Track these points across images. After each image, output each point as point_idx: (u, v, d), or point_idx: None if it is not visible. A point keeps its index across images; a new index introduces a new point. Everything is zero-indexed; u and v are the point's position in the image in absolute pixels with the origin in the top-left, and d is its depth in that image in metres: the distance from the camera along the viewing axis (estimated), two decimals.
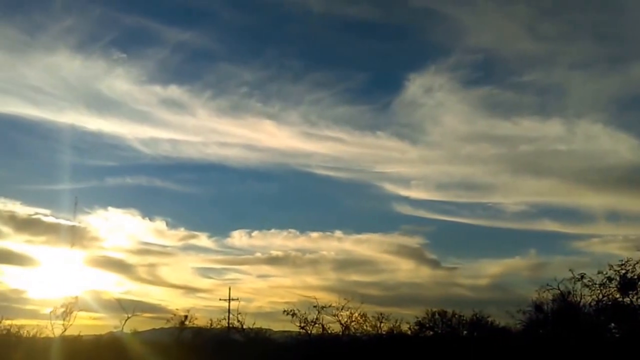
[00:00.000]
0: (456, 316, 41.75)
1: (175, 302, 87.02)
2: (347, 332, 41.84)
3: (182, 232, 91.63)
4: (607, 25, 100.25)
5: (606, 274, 35.05)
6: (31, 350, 42.82)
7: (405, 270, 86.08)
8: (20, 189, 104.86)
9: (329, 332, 42.20)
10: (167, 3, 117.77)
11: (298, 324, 41.60)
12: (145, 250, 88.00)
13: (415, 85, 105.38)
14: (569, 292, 37.49)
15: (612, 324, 37.04)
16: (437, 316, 41.92)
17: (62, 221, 67.34)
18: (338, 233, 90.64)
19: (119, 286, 71.62)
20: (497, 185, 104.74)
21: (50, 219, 74.51)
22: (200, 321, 44.97)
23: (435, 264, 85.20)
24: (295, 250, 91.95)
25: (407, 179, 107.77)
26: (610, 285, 35.32)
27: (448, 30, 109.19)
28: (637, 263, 34.11)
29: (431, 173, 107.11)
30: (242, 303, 45.43)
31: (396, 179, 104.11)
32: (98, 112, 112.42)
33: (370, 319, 42.32)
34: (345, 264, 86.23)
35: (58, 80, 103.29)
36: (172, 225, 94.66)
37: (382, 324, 42.49)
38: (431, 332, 42.33)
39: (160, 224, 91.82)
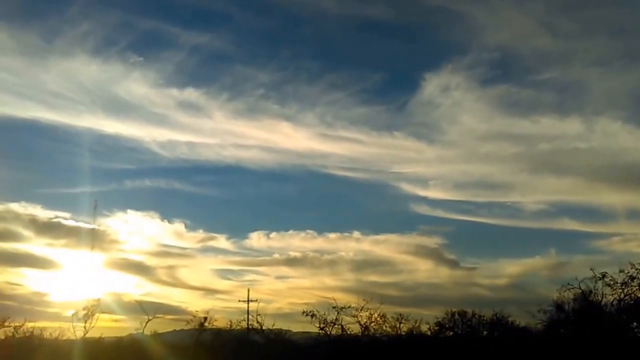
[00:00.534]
0: (476, 316, 41.73)
1: (195, 304, 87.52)
2: (366, 333, 41.88)
3: (200, 234, 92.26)
4: (626, 21, 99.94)
5: (628, 272, 34.95)
6: (53, 353, 43.39)
7: (424, 270, 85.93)
8: (40, 193, 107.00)
9: (349, 332, 42.35)
10: (183, 7, 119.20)
11: (317, 325, 41.76)
12: (164, 252, 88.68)
13: (432, 85, 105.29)
14: (590, 292, 37.35)
15: (635, 323, 36.85)
16: (456, 316, 41.90)
17: (82, 224, 68.21)
18: (356, 234, 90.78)
19: (138, 288, 72.21)
20: (515, 184, 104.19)
21: (70, 222, 75.42)
22: (220, 322, 45.26)
23: (454, 264, 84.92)
24: (314, 251, 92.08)
25: (424, 179, 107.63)
26: (632, 284, 35.20)
27: (464, 29, 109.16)
28: None
29: (449, 173, 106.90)
30: (261, 304, 45.49)
31: (414, 179, 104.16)
32: (116, 116, 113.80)
33: (390, 319, 42.36)
34: (364, 264, 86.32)
35: (76, 84, 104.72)
36: (190, 227, 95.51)
37: (401, 325, 42.51)
38: (451, 333, 42.25)
39: (179, 226, 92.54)
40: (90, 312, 43.28)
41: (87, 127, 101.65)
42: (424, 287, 76.44)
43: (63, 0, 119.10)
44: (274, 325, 43.79)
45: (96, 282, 53.87)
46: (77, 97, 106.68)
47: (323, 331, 41.89)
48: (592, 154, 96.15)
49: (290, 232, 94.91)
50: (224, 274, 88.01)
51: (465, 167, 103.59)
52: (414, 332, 42.50)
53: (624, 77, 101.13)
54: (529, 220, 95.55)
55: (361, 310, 41.33)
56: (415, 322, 42.71)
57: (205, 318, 44.49)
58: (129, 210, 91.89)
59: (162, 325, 46.08)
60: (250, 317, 44.40)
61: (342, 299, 45.20)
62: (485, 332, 42.10)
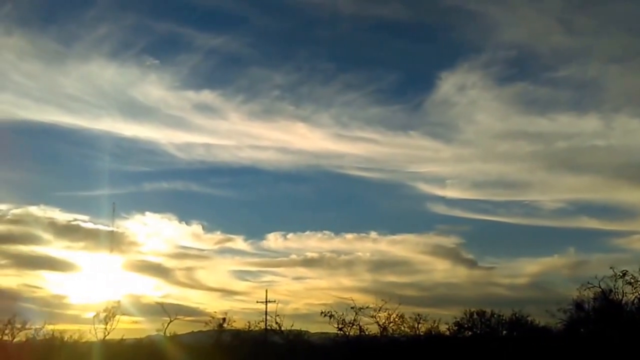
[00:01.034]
0: (495, 316, 41.57)
1: (213, 305, 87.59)
2: (385, 334, 41.77)
3: (218, 235, 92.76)
4: None
5: None
6: (74, 355, 43.89)
7: (442, 270, 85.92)
8: (59, 196, 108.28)
9: (367, 333, 42.22)
10: (198, 9, 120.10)
11: (336, 326, 41.73)
12: (182, 254, 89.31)
13: (448, 84, 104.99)
14: (611, 290, 37.31)
15: None
16: (475, 316, 41.76)
17: (100, 227, 68.90)
18: (373, 234, 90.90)
19: (157, 290, 72.87)
20: (533, 182, 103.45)
21: (89, 225, 76.27)
22: (238, 324, 45.37)
23: (472, 264, 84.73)
24: (330, 252, 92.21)
25: (441, 178, 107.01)
26: None
27: (479, 28, 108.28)
28: None
29: (466, 172, 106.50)
30: (278, 305, 45.48)
31: (430, 178, 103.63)
32: (133, 119, 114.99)
33: (408, 320, 42.04)
34: (381, 264, 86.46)
35: (93, 88, 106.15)
36: (208, 229, 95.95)
37: (420, 325, 42.17)
38: (470, 333, 42.16)
39: (196, 227, 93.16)
40: (110, 314, 43.77)
41: (105, 131, 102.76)
42: (442, 287, 76.45)
43: (80, 5, 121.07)
44: (292, 326, 43.91)
45: (115, 284, 54.40)
46: (95, 100, 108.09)
47: (341, 332, 41.87)
48: (610, 151, 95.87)
49: (307, 232, 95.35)
50: (241, 275, 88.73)
51: (483, 166, 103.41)
52: (433, 333, 42.36)
53: None
54: (548, 218, 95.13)
55: (379, 310, 41.20)
56: (434, 322, 42.58)
57: (224, 319, 44.74)
58: (147, 213, 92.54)
59: (181, 326, 46.33)
60: (268, 318, 44.54)
61: (360, 299, 45.07)
62: (504, 332, 41.98)
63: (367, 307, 41.32)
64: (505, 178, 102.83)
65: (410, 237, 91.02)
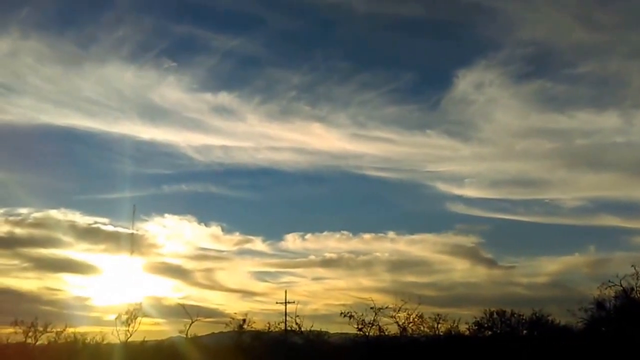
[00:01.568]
0: (515, 315, 41.61)
1: (233, 306, 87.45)
2: (404, 334, 41.97)
3: (237, 236, 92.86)
4: None
5: None
6: (96, 357, 44.36)
7: (461, 270, 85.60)
8: (79, 199, 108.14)
9: (386, 333, 42.43)
10: (215, 11, 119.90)
11: (355, 326, 41.98)
12: (202, 255, 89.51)
13: (465, 82, 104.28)
14: (632, 289, 37.33)
15: None
16: (495, 316, 41.85)
17: (120, 229, 69.48)
18: (391, 234, 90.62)
19: (177, 292, 73.14)
20: (553, 180, 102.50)
21: (109, 228, 76.75)
22: (258, 324, 45.64)
23: (491, 263, 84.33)
24: (349, 252, 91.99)
25: (459, 177, 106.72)
26: None
27: (497, 25, 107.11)
28: None
29: (485, 170, 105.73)
30: (298, 306, 45.66)
31: (448, 177, 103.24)
32: (151, 121, 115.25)
33: (428, 320, 42.33)
34: (400, 265, 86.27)
35: (111, 91, 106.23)
36: (227, 230, 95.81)
37: (439, 325, 42.51)
38: (490, 332, 42.26)
39: (215, 229, 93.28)
40: (132, 316, 44.15)
41: (124, 134, 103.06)
42: (462, 287, 76.10)
43: (98, 8, 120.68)
44: (312, 326, 44.14)
45: (136, 286, 54.84)
46: (113, 103, 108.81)
47: (361, 332, 42.12)
48: (631, 148, 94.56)
49: (325, 233, 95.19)
50: (260, 276, 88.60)
51: (501, 164, 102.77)
52: (453, 332, 42.57)
53: None
54: (568, 217, 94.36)
55: (399, 310, 41.49)
56: (454, 322, 42.86)
57: (244, 320, 44.93)
58: (166, 215, 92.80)
59: (201, 328, 46.59)
60: (288, 318, 44.80)
61: (379, 299, 45.31)
62: (524, 332, 42.00)
63: (386, 308, 41.75)
64: (524, 176, 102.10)
65: (429, 237, 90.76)
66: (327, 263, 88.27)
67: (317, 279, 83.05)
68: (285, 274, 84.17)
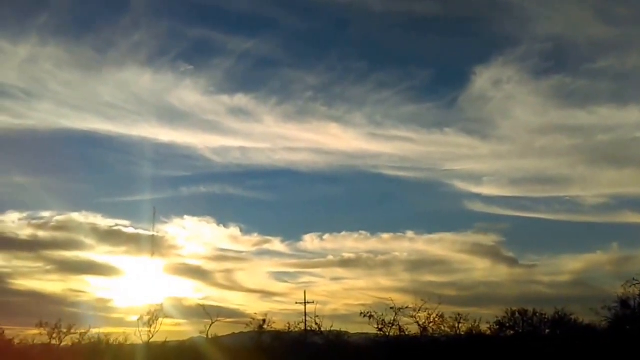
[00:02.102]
0: (537, 314, 41.18)
1: (253, 307, 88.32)
2: (425, 334, 41.79)
3: (255, 237, 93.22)
4: None
5: None
6: (120, 357, 44.89)
7: (482, 269, 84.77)
8: (100, 202, 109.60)
9: (407, 333, 42.33)
10: (230, 13, 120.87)
11: (375, 326, 41.96)
12: (221, 256, 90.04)
13: (483, 79, 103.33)
14: None
15: None
16: (517, 315, 41.44)
17: (141, 231, 70.18)
18: (410, 233, 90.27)
19: (197, 292, 73.71)
20: (574, 177, 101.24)
21: (130, 230, 77.57)
22: (278, 325, 45.91)
23: (512, 262, 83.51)
24: (367, 252, 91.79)
25: (478, 175, 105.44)
26: None
27: (514, 20, 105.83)
28: None
29: (504, 168, 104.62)
30: (317, 306, 45.81)
31: (467, 176, 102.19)
32: (169, 124, 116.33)
33: (448, 319, 42.11)
34: (419, 264, 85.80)
35: (129, 95, 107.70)
36: (245, 231, 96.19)
37: (460, 325, 42.18)
38: (512, 332, 41.84)
39: (234, 230, 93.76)
40: (153, 317, 44.65)
41: (143, 137, 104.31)
42: (482, 286, 75.40)
43: (114, 13, 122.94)
44: (332, 326, 44.19)
45: (157, 287, 55.34)
46: (132, 107, 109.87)
47: (381, 332, 42.07)
48: None
49: (343, 233, 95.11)
50: (279, 276, 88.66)
51: (521, 162, 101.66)
52: (474, 332, 42.19)
53: None
54: (589, 214, 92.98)
55: (419, 310, 41.42)
56: (475, 321, 42.47)
57: (264, 320, 45.16)
58: (185, 216, 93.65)
59: (222, 328, 46.96)
60: (308, 318, 44.94)
61: (399, 299, 45.33)
62: (547, 331, 41.51)
63: (406, 308, 41.66)
64: (544, 174, 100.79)
65: (448, 236, 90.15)
66: (345, 263, 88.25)
67: (336, 279, 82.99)
68: (304, 274, 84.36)
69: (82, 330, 46.78)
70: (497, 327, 41.88)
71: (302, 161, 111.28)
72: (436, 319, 41.63)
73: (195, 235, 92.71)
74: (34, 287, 70.81)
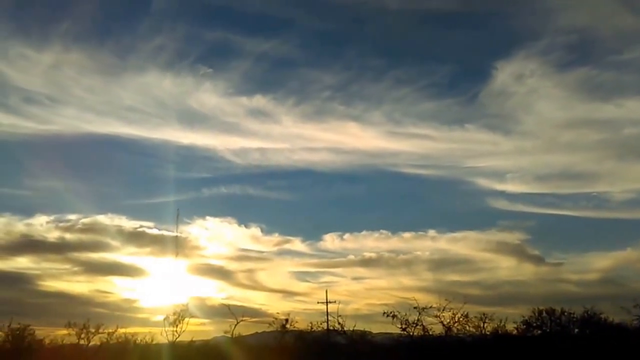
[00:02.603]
0: (565, 314, 40.07)
1: (275, 306, 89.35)
2: (449, 333, 41.16)
3: (276, 237, 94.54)
4: None
5: None
6: (146, 357, 45.54)
7: (506, 267, 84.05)
8: (124, 204, 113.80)
9: (431, 333, 41.74)
10: (246, 15, 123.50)
11: (399, 326, 41.48)
12: (243, 256, 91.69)
13: (504, 74, 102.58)
14: None
15: None
16: (544, 314, 40.40)
17: (165, 232, 71.48)
18: (431, 232, 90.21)
19: (220, 292, 74.76)
20: (601, 173, 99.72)
21: (154, 231, 79.38)
22: (301, 324, 45.90)
23: (538, 260, 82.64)
24: (389, 252, 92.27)
25: (501, 172, 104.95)
26: None
27: (536, 13, 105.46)
28: None
29: (528, 164, 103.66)
30: (339, 306, 45.57)
31: (490, 173, 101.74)
32: (190, 127, 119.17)
33: (473, 319, 41.33)
34: (442, 263, 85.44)
35: (150, 98, 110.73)
36: (266, 231, 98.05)
37: (485, 324, 41.38)
38: (539, 331, 40.84)
39: (255, 230, 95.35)
40: (179, 317, 45.12)
41: (164, 139, 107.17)
42: (508, 285, 74.65)
43: (135, 19, 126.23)
44: (354, 326, 43.93)
45: (181, 287, 56.07)
46: (153, 111, 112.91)
47: (405, 332, 41.58)
48: None
49: (364, 232, 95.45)
50: (301, 276, 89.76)
51: (546, 157, 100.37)
52: (500, 332, 41.38)
53: None
54: (618, 210, 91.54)
55: (443, 310, 40.78)
56: (500, 321, 41.61)
57: (287, 320, 45.22)
58: (207, 217, 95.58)
59: (245, 327, 47.17)
60: (330, 318, 44.81)
61: (422, 299, 44.85)
62: (576, 330, 40.39)
63: (430, 307, 41.04)
64: (570, 169, 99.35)
65: (471, 235, 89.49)
66: (366, 262, 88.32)
67: (357, 279, 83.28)
68: (325, 273, 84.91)
69: (110, 330, 47.75)
70: (524, 326, 40.93)
71: (321, 161, 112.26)
72: (461, 319, 40.92)
73: (217, 236, 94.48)
74: (62, 288, 73.12)
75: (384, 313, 41.74)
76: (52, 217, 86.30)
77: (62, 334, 46.99)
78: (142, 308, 63.15)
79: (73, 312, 66.90)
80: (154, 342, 47.55)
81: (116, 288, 74.84)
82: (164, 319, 45.39)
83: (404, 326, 41.39)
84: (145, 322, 60.79)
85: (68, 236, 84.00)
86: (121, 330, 48.10)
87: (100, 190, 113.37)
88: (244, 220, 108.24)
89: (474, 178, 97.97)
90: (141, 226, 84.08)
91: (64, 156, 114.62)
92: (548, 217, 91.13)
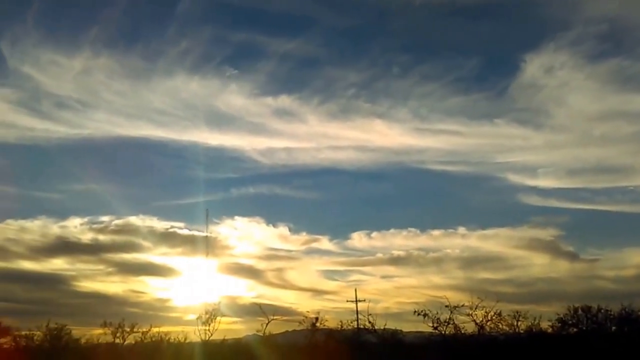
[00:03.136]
0: (602, 311, 39.09)
1: (305, 305, 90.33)
2: (482, 332, 40.63)
3: (304, 236, 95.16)
4: None
5: None
6: (179, 355, 46.22)
7: (540, 264, 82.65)
8: (155, 206, 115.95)
9: (463, 332, 41.28)
10: (269, 15, 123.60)
11: (431, 325, 41.11)
12: (272, 255, 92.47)
13: (534, 66, 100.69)
14: None
15: None
16: (580, 312, 39.55)
17: (195, 232, 72.45)
18: (461, 229, 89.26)
19: (250, 291, 75.45)
20: (636, 166, 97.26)
21: (185, 232, 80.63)
22: (331, 323, 45.92)
23: (573, 257, 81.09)
24: (418, 250, 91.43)
25: (533, 167, 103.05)
26: None
27: (565, 3, 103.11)
28: None
29: (560, 159, 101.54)
30: (369, 304, 45.53)
31: (520, 168, 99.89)
32: (218, 128, 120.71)
33: (506, 317, 40.74)
34: (472, 261, 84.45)
35: (178, 101, 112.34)
36: (294, 230, 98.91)
37: (519, 323, 40.76)
38: (575, 329, 40.00)
39: (283, 229, 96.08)
40: (211, 316, 45.67)
41: (193, 141, 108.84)
42: (541, 283, 73.29)
43: (161, 23, 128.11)
44: (385, 325, 43.75)
45: (212, 286, 56.75)
46: (181, 113, 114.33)
47: (437, 331, 41.20)
48: None
49: (392, 230, 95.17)
50: (329, 274, 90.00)
51: (578, 151, 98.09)
52: (534, 330, 40.66)
53: None
54: None
55: (475, 308, 40.25)
56: (534, 319, 40.92)
57: (317, 319, 45.36)
58: (236, 217, 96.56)
59: (275, 326, 47.48)
60: (360, 317, 44.73)
61: (453, 297, 44.24)
62: (613, 328, 39.40)
63: (462, 306, 40.52)
64: (604, 163, 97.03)
65: (503, 231, 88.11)
66: (395, 261, 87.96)
67: (387, 277, 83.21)
68: (354, 272, 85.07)
69: (144, 329, 48.63)
70: (559, 324, 40.14)
71: (348, 159, 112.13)
72: (494, 317, 40.37)
73: (246, 235, 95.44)
74: (97, 289, 74.90)
75: (415, 312, 41.43)
76: (85, 219, 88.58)
77: (97, 333, 48.16)
78: (175, 307, 64.28)
79: (108, 312, 68.43)
80: (187, 341, 48.29)
81: (149, 288, 76.46)
82: (197, 318, 46.10)
83: (435, 325, 41.02)
84: (177, 321, 61.85)
85: (101, 237, 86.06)
86: (155, 329, 49.01)
87: (131, 192, 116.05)
88: (271, 220, 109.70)
89: (505, 174, 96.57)
90: (172, 227, 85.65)
91: (96, 159, 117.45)
92: (582, 213, 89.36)
